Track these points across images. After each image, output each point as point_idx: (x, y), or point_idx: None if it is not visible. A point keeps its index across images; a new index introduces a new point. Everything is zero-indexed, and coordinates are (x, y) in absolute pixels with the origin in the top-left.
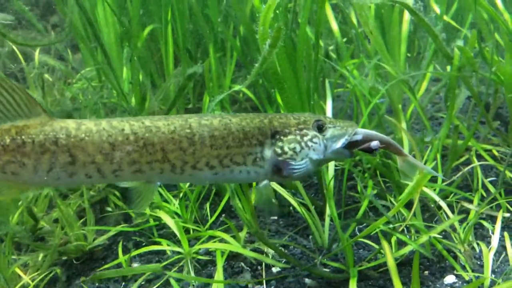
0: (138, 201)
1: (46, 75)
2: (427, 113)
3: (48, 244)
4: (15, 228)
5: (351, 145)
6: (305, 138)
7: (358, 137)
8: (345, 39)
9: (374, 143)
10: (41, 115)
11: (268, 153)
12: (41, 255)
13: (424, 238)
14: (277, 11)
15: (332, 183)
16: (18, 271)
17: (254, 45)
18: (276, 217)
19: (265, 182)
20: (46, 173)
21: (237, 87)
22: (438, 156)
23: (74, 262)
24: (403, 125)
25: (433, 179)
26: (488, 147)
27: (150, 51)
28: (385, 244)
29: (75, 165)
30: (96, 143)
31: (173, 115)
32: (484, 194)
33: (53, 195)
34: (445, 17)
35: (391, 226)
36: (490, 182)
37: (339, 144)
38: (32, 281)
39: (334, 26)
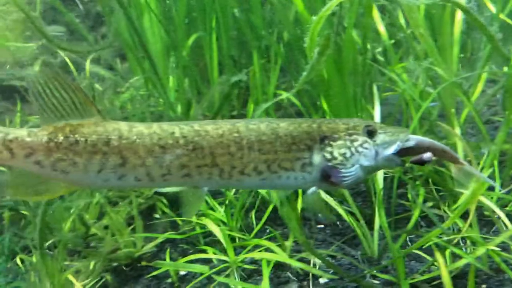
0: (187, 208)
1: (97, 85)
2: (483, 117)
3: (99, 251)
4: (67, 235)
5: (403, 152)
6: (355, 144)
7: (411, 143)
8: (392, 41)
9: (427, 155)
10: (95, 116)
11: (317, 158)
12: (92, 262)
13: (481, 251)
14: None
15: (381, 190)
16: (70, 277)
17: (298, 50)
18: (323, 226)
19: (313, 189)
20: (96, 174)
21: (284, 95)
22: (495, 163)
23: (124, 268)
24: (457, 130)
25: (491, 187)
26: None
27: (195, 59)
28: (439, 256)
29: (125, 167)
30: (147, 146)
31: (221, 119)
32: None
33: (104, 202)
34: (501, 15)
35: (445, 238)
36: None
37: (391, 150)
38: (84, 287)
39: (381, 28)
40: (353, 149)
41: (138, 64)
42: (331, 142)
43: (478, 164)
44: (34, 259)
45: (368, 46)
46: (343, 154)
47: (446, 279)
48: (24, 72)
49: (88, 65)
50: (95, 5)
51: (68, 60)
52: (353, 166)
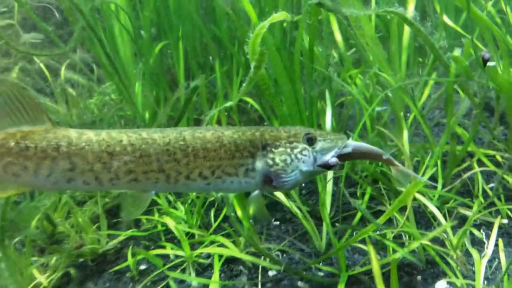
0: (131, 208)
1: (71, 90)
2: (433, 120)
3: (64, 247)
4: (33, 232)
5: (341, 157)
6: (295, 151)
7: (348, 149)
8: (353, 50)
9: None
10: (46, 123)
11: (259, 164)
12: (57, 257)
13: (415, 244)
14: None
15: (330, 189)
16: (35, 271)
17: None
18: (278, 223)
19: (256, 192)
20: (46, 177)
21: (229, 104)
22: (439, 162)
23: (90, 263)
24: (405, 132)
25: (433, 186)
26: (492, 152)
27: (163, 67)
28: (371, 249)
29: (74, 171)
30: (96, 152)
31: (171, 127)
32: (483, 201)
33: (70, 203)
34: (451, 23)
35: (383, 232)
36: (492, 188)
37: (328, 156)
38: (50, 281)
39: (338, 37)
40: (293, 155)
41: (108, 71)
42: (273, 149)
43: (423, 163)
44: None
45: (318, 53)
46: (284, 161)
47: (376, 269)
48: (1, 77)
49: (63, 71)
50: (74, 12)
51: (43, 67)
52: (293, 172)
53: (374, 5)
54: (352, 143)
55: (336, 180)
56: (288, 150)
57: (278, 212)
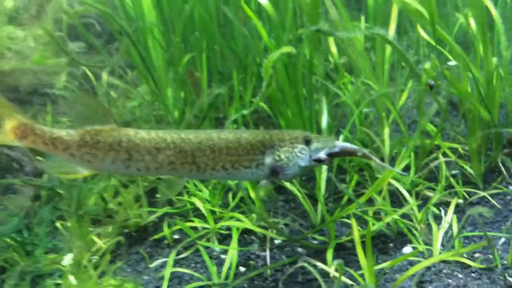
0: (168, 191)
1: (112, 92)
2: (410, 119)
3: (114, 220)
4: (91, 208)
5: (331, 155)
6: (296, 150)
7: (336, 149)
8: (345, 59)
9: (323, 156)
10: (112, 124)
11: (268, 160)
12: (110, 228)
13: (389, 219)
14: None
15: (324, 176)
16: (94, 237)
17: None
18: (282, 203)
19: (264, 181)
20: (110, 164)
21: (244, 112)
22: (412, 154)
23: (133, 233)
24: (386, 129)
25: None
26: (455, 146)
27: (190, 74)
28: (353, 222)
29: (131, 160)
30: (147, 147)
31: (202, 130)
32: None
33: (118, 185)
34: (426, 37)
35: (364, 209)
36: (453, 175)
37: (320, 154)
38: (107, 246)
39: (334, 49)
40: (294, 153)
41: (144, 77)
42: (279, 148)
43: (400, 154)
44: (69, 224)
45: (317, 64)
46: (287, 157)
47: (356, 237)
48: (53, 80)
49: (105, 75)
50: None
51: (88, 72)
52: (293, 166)
53: (363, 24)
54: (340, 144)
55: (330, 169)
56: (290, 149)
57: (283, 194)
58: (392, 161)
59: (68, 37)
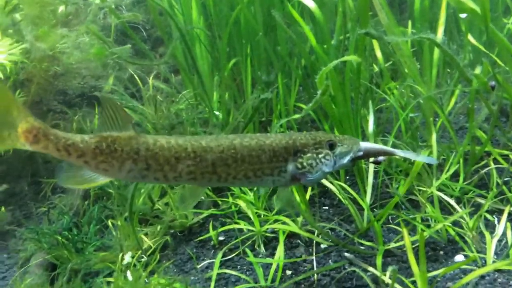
0: (187, 201)
1: (158, 96)
2: (458, 124)
3: (161, 220)
4: (140, 208)
5: (355, 159)
6: (320, 156)
7: (360, 153)
8: (390, 62)
9: (381, 158)
10: (131, 130)
11: (290, 167)
12: (157, 227)
13: (439, 226)
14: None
15: (370, 181)
16: (142, 236)
17: (312, 74)
18: (327, 207)
19: (285, 187)
20: (127, 173)
21: (297, 116)
22: (461, 160)
23: (178, 234)
24: (434, 135)
25: (456, 180)
26: (506, 152)
27: (234, 78)
28: (404, 229)
29: (149, 170)
30: (166, 157)
31: (224, 136)
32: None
33: (165, 187)
34: (475, 42)
35: (413, 216)
36: (505, 182)
37: (345, 160)
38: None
39: (379, 54)
40: (317, 160)
41: (189, 81)
42: (302, 155)
43: (448, 161)
44: (119, 223)
45: (363, 69)
46: (310, 164)
47: (408, 244)
48: (101, 84)
49: (151, 80)
50: (155, 31)
51: (135, 75)
52: (316, 172)
53: (411, 29)
54: (364, 146)
55: (375, 175)
56: (314, 155)
57: (327, 199)
58: (440, 167)
59: (116, 43)
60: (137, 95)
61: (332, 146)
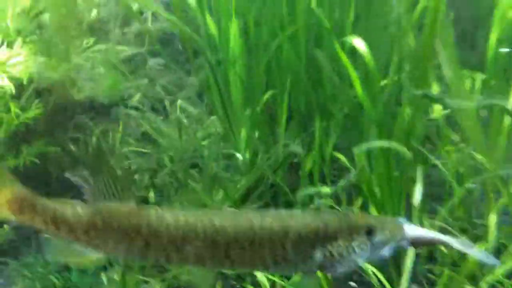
0: (201, 284)
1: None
2: None
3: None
4: None
5: (395, 249)
6: (353, 244)
7: (404, 243)
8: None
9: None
10: (131, 203)
11: (317, 255)
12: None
13: None
14: None
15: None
16: None
17: (355, 125)
18: (355, 284)
19: (308, 275)
20: (123, 251)
21: (328, 190)
22: None
23: None
24: (493, 216)
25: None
26: None
27: (267, 112)
28: None
29: (149, 250)
30: (171, 236)
31: (243, 211)
32: None
33: None
34: None
35: None
36: None
37: (384, 251)
38: None
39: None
40: (350, 249)
41: (218, 112)
42: (332, 242)
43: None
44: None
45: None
46: (340, 254)
47: None
48: (128, 98)
49: (179, 101)
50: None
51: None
52: (347, 263)
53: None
54: (409, 235)
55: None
56: (347, 243)
57: (355, 274)
58: (498, 253)
59: (150, 54)
60: (164, 113)
61: (370, 232)
